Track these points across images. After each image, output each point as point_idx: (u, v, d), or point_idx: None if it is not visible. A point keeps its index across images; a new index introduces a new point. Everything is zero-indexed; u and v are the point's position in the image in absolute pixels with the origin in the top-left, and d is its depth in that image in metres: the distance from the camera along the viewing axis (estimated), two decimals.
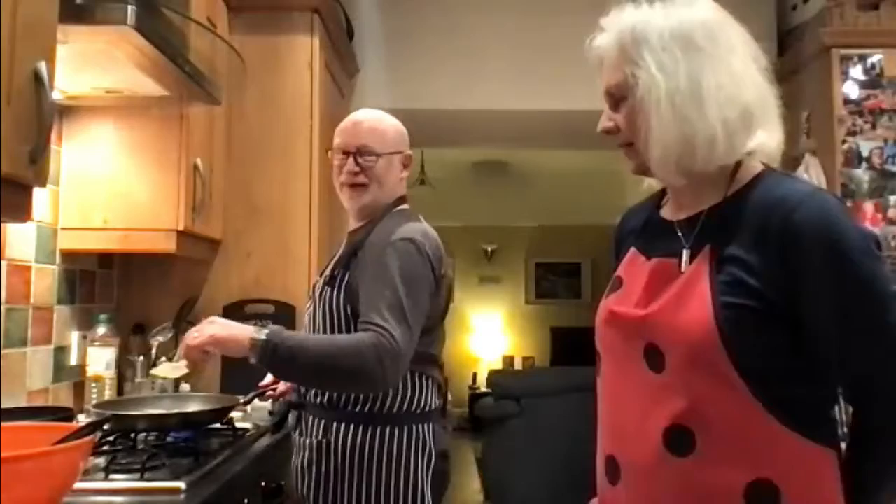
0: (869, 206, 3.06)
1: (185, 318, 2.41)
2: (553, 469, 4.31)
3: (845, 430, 1.04)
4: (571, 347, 8.18)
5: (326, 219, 2.71)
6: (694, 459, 0.97)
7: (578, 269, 8.65)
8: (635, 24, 1.06)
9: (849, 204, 3.05)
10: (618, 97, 1.08)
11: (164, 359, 1.73)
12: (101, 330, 2.22)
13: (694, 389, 0.97)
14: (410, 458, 1.67)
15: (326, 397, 1.71)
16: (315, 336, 1.70)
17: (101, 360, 2.18)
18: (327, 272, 1.78)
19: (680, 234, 1.08)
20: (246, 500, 1.62)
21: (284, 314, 2.48)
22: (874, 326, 0.95)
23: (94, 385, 2.17)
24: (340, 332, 1.69)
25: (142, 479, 1.40)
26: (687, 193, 1.10)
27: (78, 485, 1.20)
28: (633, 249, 1.16)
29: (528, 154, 6.41)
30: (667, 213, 1.16)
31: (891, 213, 3.05)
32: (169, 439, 1.70)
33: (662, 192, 1.21)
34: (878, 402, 0.99)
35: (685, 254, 1.05)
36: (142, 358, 2.33)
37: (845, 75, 3.11)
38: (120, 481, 1.40)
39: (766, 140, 1.06)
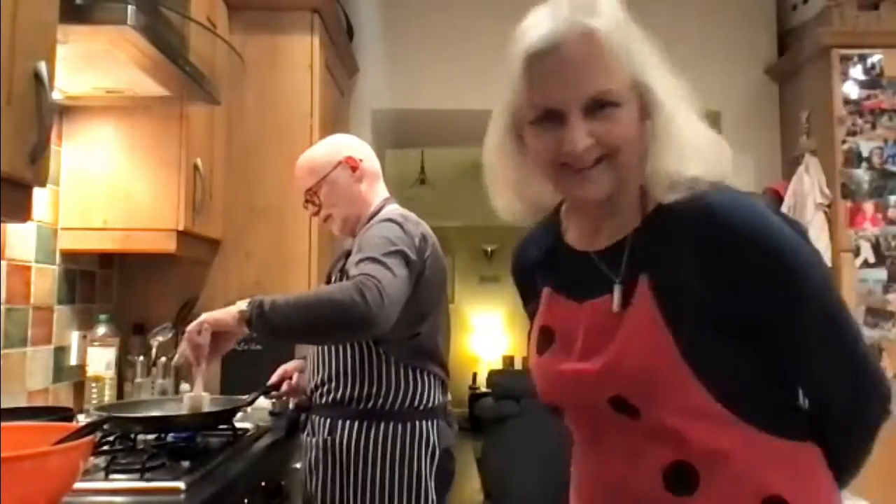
0: (869, 206, 3.06)
1: (185, 318, 2.40)
2: (553, 469, 4.31)
3: None
4: None
5: None
6: (701, 495, 0.90)
7: None
8: (622, 18, 0.91)
9: (849, 204, 3.06)
10: (605, 102, 0.88)
11: (186, 394, 1.74)
12: (101, 330, 2.22)
13: (678, 426, 0.90)
14: (413, 453, 1.69)
15: (332, 396, 1.74)
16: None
17: (101, 360, 2.18)
18: (328, 279, 1.86)
19: (603, 268, 0.96)
20: (246, 500, 1.62)
21: None
22: (825, 317, 0.90)
23: (94, 385, 2.17)
24: None
25: (142, 479, 1.40)
26: (603, 218, 0.98)
27: (78, 485, 1.20)
28: (547, 290, 1.03)
29: None
30: (575, 241, 1.02)
31: (891, 213, 3.05)
32: (169, 439, 1.69)
33: (556, 216, 1.07)
34: (838, 395, 0.93)
35: (616, 291, 0.93)
36: (142, 358, 2.32)
37: (845, 75, 3.11)
38: (120, 481, 1.39)
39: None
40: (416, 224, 1.78)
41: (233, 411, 1.79)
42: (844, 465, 0.97)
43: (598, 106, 0.88)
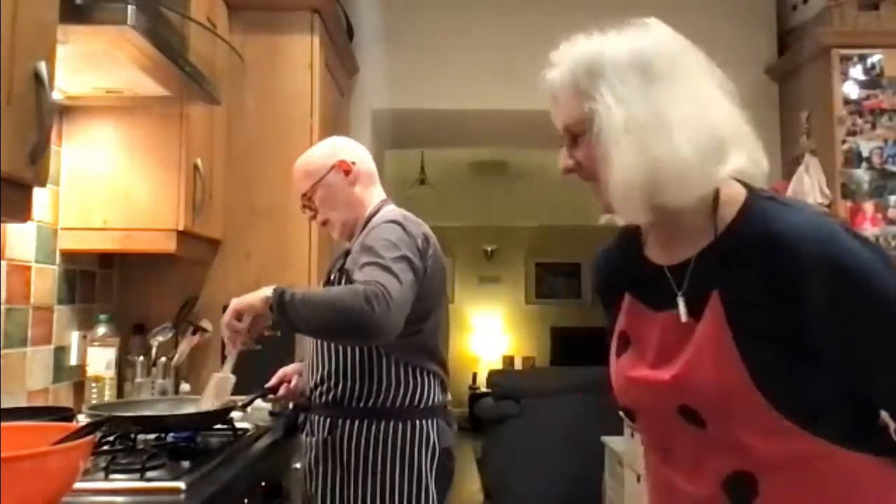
0: (869, 206, 3.06)
1: (185, 318, 2.41)
2: (553, 469, 4.31)
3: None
4: (571, 347, 8.18)
5: None
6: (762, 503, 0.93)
7: (578, 269, 8.65)
8: (589, 57, 1.00)
9: (849, 204, 3.06)
10: (576, 133, 1.01)
11: (215, 374, 1.79)
12: (101, 330, 2.22)
13: (744, 439, 0.93)
14: (414, 452, 1.69)
15: (331, 395, 1.74)
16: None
17: (101, 360, 2.18)
18: (327, 277, 1.85)
19: (671, 281, 1.01)
20: (246, 500, 1.62)
21: None
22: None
23: (94, 385, 2.17)
24: None
25: (142, 479, 1.40)
26: (673, 235, 1.03)
27: (78, 485, 1.19)
28: (629, 297, 1.09)
29: (528, 154, 6.40)
30: (653, 255, 1.08)
31: (891, 213, 3.05)
32: (169, 439, 1.70)
33: (638, 229, 1.12)
34: None
35: (680, 302, 0.99)
36: (142, 358, 2.33)
37: (845, 75, 3.11)
38: (120, 481, 1.40)
39: (742, 164, 0.97)
40: (418, 224, 1.78)
41: (228, 411, 1.80)
42: None
43: (573, 135, 1.03)
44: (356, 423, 1.70)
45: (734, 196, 0.99)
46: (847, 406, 0.94)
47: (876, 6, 3.18)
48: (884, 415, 0.96)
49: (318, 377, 1.78)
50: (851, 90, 3.10)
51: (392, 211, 1.82)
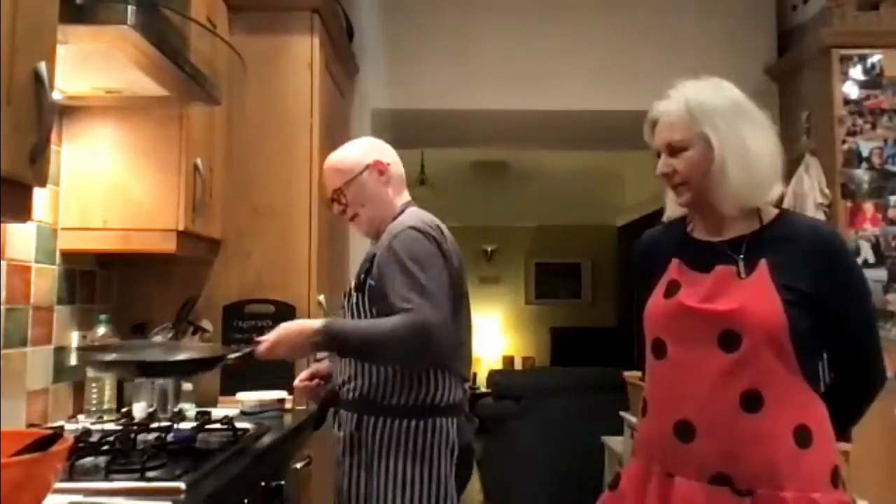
0: (869, 206, 3.06)
1: (185, 318, 2.40)
2: (553, 469, 4.31)
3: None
4: (571, 347, 8.17)
5: (326, 219, 2.71)
6: (761, 415, 1.34)
7: (578, 269, 8.64)
8: (700, 96, 1.43)
9: (849, 204, 3.06)
10: (679, 148, 1.44)
11: None
12: (101, 330, 2.22)
13: (763, 363, 1.34)
14: (434, 451, 1.75)
15: (357, 393, 1.80)
16: (360, 322, 1.81)
17: None
18: (353, 280, 1.90)
19: (728, 251, 1.44)
20: (246, 500, 1.62)
21: (284, 314, 2.48)
22: (865, 305, 1.48)
23: (94, 385, 2.17)
24: None
25: (142, 479, 1.40)
26: (721, 222, 1.47)
27: (78, 485, 1.20)
28: (676, 261, 1.49)
29: (528, 154, 6.40)
30: (701, 236, 1.51)
31: (891, 213, 3.05)
32: (169, 439, 1.70)
33: (682, 220, 1.56)
34: (857, 361, 1.47)
35: (741, 264, 1.42)
36: None
37: (845, 75, 3.11)
38: (120, 481, 1.40)
39: (780, 188, 1.47)
40: (437, 226, 1.83)
41: (220, 359, 1.84)
42: (850, 417, 1.52)
43: (674, 150, 1.46)
44: (380, 419, 1.75)
45: (770, 208, 1.48)
46: (816, 352, 1.42)
47: (876, 6, 3.18)
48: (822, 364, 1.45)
49: (346, 374, 1.83)
50: (851, 90, 3.10)
51: (412, 216, 1.86)
